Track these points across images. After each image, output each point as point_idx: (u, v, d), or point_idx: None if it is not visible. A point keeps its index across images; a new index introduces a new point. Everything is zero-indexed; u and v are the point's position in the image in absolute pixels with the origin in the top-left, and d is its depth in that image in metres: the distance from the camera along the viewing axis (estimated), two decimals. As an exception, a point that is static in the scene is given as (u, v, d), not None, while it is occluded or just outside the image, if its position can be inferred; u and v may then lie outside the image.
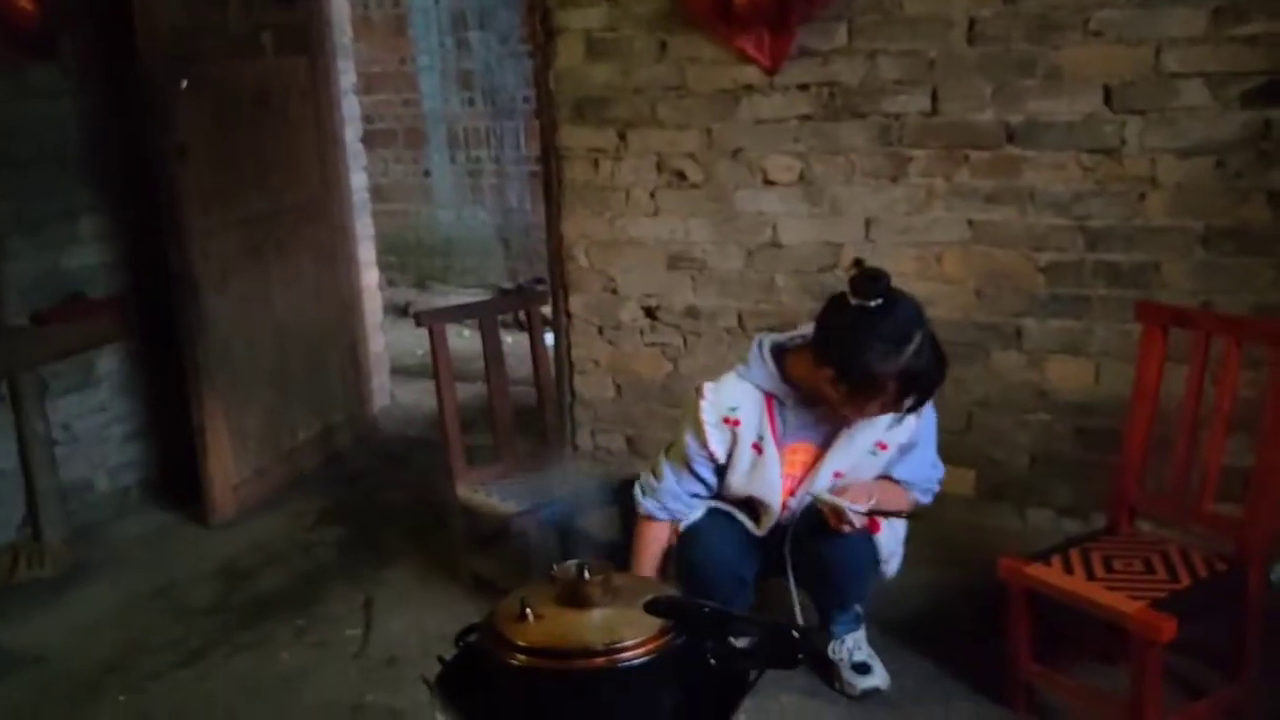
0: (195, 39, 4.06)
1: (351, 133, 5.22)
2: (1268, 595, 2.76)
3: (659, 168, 4.22)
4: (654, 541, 2.98)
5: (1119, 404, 3.31)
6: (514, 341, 4.96)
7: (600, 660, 1.82)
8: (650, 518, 2.98)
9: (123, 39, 4.01)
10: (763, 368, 2.86)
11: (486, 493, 3.56)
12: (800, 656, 1.87)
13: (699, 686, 1.89)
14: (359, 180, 5.30)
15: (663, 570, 2.98)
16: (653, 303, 4.35)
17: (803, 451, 2.92)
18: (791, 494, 2.95)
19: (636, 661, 1.82)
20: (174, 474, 4.50)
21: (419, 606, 3.62)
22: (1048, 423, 3.80)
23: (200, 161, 4.11)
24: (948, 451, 3.92)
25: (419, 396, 5.56)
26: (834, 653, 3.09)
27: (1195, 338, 2.85)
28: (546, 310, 4.30)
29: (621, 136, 4.26)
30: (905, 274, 3.85)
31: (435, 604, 3.61)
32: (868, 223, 3.93)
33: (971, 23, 3.65)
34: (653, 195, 4.25)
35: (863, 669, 3.05)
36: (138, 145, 4.20)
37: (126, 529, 4.32)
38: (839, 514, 2.78)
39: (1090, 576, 2.71)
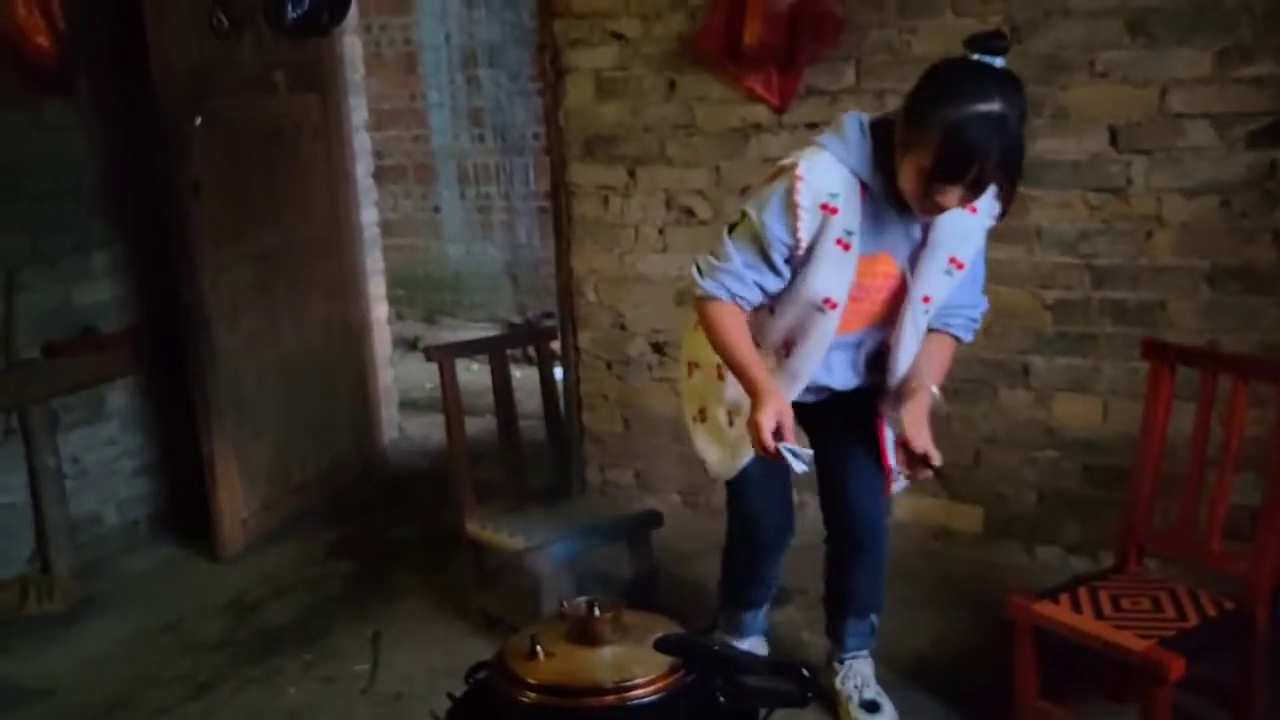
0: (209, 77, 4.11)
1: (363, 169, 5.26)
2: (1275, 634, 2.76)
3: (668, 205, 4.25)
4: (732, 316, 2.61)
5: (1126, 442, 3.32)
6: (522, 376, 4.98)
7: (610, 698, 1.82)
8: (712, 298, 2.61)
9: (138, 76, 4.06)
10: (862, 147, 2.51)
11: (495, 528, 3.56)
12: (810, 695, 1.86)
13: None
14: (370, 216, 5.33)
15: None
16: (661, 338, 4.37)
17: (884, 263, 2.61)
18: (874, 320, 2.71)
19: (646, 699, 1.83)
20: (183, 508, 4.51)
21: (427, 642, 3.62)
22: (1055, 460, 3.81)
23: (213, 197, 4.14)
24: (956, 489, 3.96)
25: (427, 430, 5.57)
26: (841, 684, 3.06)
27: (1202, 376, 2.86)
28: (556, 345, 4.33)
29: (631, 174, 4.30)
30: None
31: (443, 639, 3.61)
32: (875, 260, 3.95)
33: (978, 63, 3.68)
34: (661, 232, 4.29)
35: (872, 707, 3.03)
36: (151, 181, 4.24)
37: (135, 563, 4.33)
38: (921, 460, 2.61)
39: (1099, 615, 2.71)
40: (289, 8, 3.35)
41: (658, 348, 4.39)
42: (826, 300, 2.60)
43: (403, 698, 3.32)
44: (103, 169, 4.29)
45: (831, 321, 2.63)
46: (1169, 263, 3.55)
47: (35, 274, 4.04)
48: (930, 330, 2.74)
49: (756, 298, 2.63)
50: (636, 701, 1.82)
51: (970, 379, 3.87)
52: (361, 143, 5.28)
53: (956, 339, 2.79)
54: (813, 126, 3.94)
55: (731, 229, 2.64)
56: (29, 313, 4.01)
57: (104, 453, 4.37)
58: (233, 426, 4.30)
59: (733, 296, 2.60)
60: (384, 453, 5.38)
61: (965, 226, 2.58)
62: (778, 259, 2.57)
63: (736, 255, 2.58)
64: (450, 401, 3.66)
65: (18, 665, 3.58)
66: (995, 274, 3.73)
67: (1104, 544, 3.57)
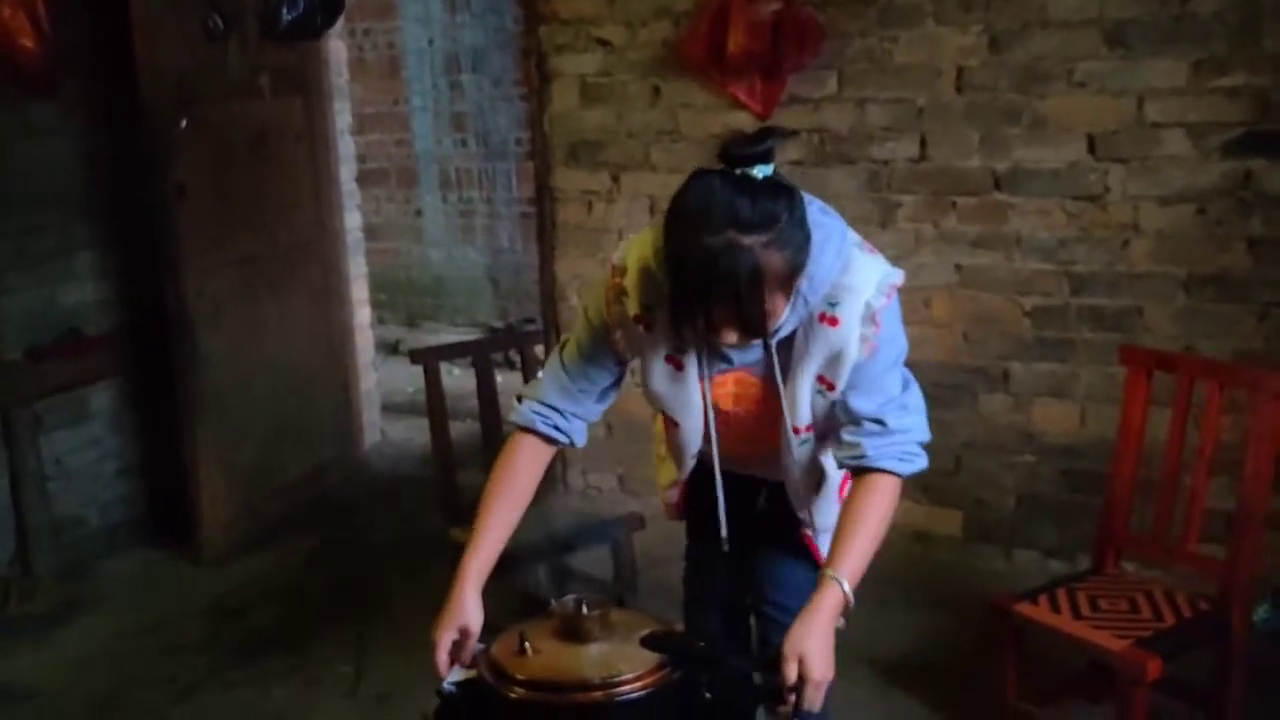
0: (195, 80, 4.11)
1: (346, 173, 5.27)
2: (1250, 636, 2.80)
3: (651, 210, 4.28)
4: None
5: (1104, 446, 3.36)
6: (504, 380, 4.99)
7: (597, 694, 1.83)
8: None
9: (123, 79, 4.06)
10: None
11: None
12: (795, 690, 1.87)
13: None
14: (353, 220, 5.34)
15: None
16: (644, 343, 4.39)
17: (743, 383, 2.18)
18: (758, 448, 2.23)
19: (633, 695, 1.83)
20: (165, 510, 4.50)
21: (411, 644, 3.61)
22: (1034, 465, 3.86)
23: (198, 201, 4.15)
24: (935, 494, 4.00)
25: (409, 434, 5.58)
26: None
27: (1178, 382, 2.91)
28: (539, 349, 4.34)
29: (615, 179, 4.32)
30: (894, 317, 3.92)
31: (427, 641, 3.60)
32: (857, 266, 3.99)
33: (959, 72, 3.74)
34: (645, 237, 4.31)
35: None
36: (135, 184, 4.24)
37: (118, 565, 4.32)
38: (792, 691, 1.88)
39: (1077, 616, 2.75)
40: (284, 11, 3.36)
41: (640, 352, 4.41)
42: (669, 419, 2.27)
43: (388, 699, 3.34)
44: (87, 171, 4.29)
45: (687, 438, 2.25)
46: (1146, 270, 3.60)
47: (19, 276, 4.04)
48: (859, 472, 2.08)
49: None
50: (623, 698, 1.83)
51: (950, 384, 3.91)
52: (345, 147, 5.29)
53: (891, 473, 2.07)
54: (795, 134, 3.99)
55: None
56: (13, 315, 4.01)
57: (86, 455, 4.36)
58: (215, 430, 4.30)
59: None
60: (366, 456, 5.38)
61: (832, 341, 2.03)
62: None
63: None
64: (435, 405, 3.67)
65: (0, 667, 3.58)
66: (975, 280, 3.81)
67: (1082, 547, 3.61)
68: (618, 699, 1.83)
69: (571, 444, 2.23)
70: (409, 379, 6.00)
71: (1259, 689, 2.86)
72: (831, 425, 2.13)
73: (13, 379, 3.98)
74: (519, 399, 2.21)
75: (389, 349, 6.89)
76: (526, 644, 1.89)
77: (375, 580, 4.11)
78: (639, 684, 1.84)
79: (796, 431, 2.15)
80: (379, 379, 5.73)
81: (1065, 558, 3.79)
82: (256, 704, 3.36)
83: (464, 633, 2.05)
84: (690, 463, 2.32)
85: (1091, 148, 3.61)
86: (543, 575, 3.36)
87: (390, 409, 5.87)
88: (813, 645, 1.87)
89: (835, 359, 2.05)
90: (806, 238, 1.90)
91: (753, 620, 2.49)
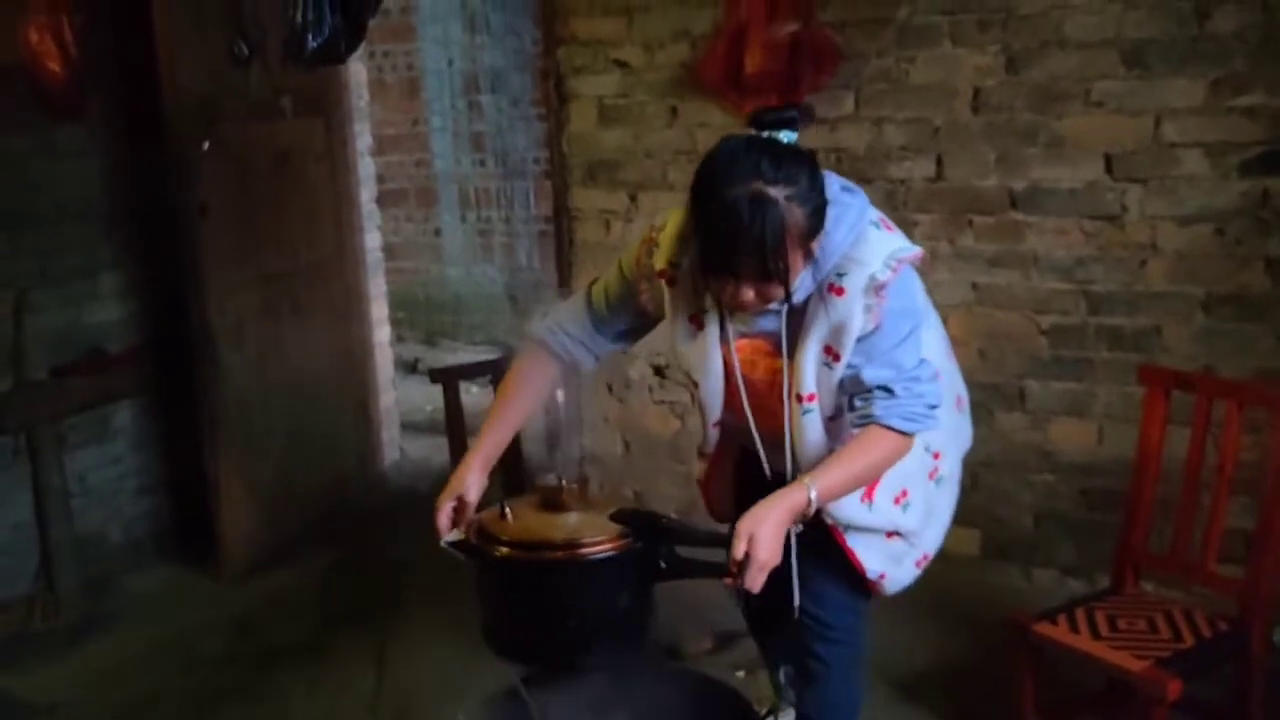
0: (218, 102, 4.16)
1: (366, 193, 5.31)
2: (1271, 656, 2.80)
3: (669, 230, 4.29)
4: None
5: (1122, 465, 3.36)
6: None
7: (559, 554, 2.12)
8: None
9: (147, 101, 4.11)
10: None
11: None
12: (738, 571, 2.01)
13: (651, 586, 2.20)
14: (373, 240, 5.38)
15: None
16: (662, 361, 4.42)
17: (762, 351, 2.28)
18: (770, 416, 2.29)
19: (594, 557, 2.11)
20: (187, 526, 4.54)
21: (431, 659, 3.65)
22: (1051, 483, 3.86)
23: (220, 220, 4.19)
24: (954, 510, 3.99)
25: (428, 451, 5.61)
26: None
27: (1197, 401, 2.91)
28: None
29: (632, 198, 4.35)
30: (911, 336, 3.93)
31: (447, 656, 3.64)
32: (874, 285, 4.00)
33: (976, 92, 3.75)
34: (663, 256, 4.33)
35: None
36: (158, 203, 4.29)
37: (140, 581, 4.35)
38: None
39: (1096, 635, 2.75)
40: (309, 38, 3.40)
41: (658, 370, 4.43)
42: (690, 378, 2.38)
43: (409, 713, 3.35)
44: (111, 192, 4.34)
45: (706, 400, 2.36)
46: (1164, 289, 3.60)
47: (44, 296, 4.09)
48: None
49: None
50: (586, 559, 2.12)
51: (967, 402, 3.91)
52: (365, 167, 5.33)
53: (891, 429, 2.16)
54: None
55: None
56: (38, 334, 4.05)
57: (109, 472, 4.40)
58: (237, 446, 4.33)
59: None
60: (385, 473, 5.41)
61: (838, 311, 2.12)
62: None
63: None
64: (454, 422, 3.70)
65: (23, 682, 3.61)
66: (992, 299, 3.82)
67: (1100, 566, 3.61)
68: (580, 560, 2.12)
69: (577, 368, 2.44)
70: (428, 397, 6.03)
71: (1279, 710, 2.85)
72: (840, 402, 2.23)
73: (38, 398, 4.02)
74: (542, 318, 2.41)
75: (408, 367, 6.93)
76: (507, 511, 2.21)
77: (395, 595, 4.13)
78: (598, 548, 2.12)
79: (800, 400, 2.21)
80: (398, 397, 5.75)
81: (1083, 576, 3.79)
82: (278, 718, 3.38)
83: (461, 501, 2.32)
84: (713, 433, 2.43)
85: (1109, 167, 3.62)
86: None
87: (409, 427, 5.90)
88: (764, 530, 2.02)
89: (840, 329, 2.13)
90: (824, 203, 2.04)
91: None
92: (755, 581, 2.01)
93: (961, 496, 3.93)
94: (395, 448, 5.64)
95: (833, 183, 2.13)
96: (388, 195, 7.02)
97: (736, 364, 2.27)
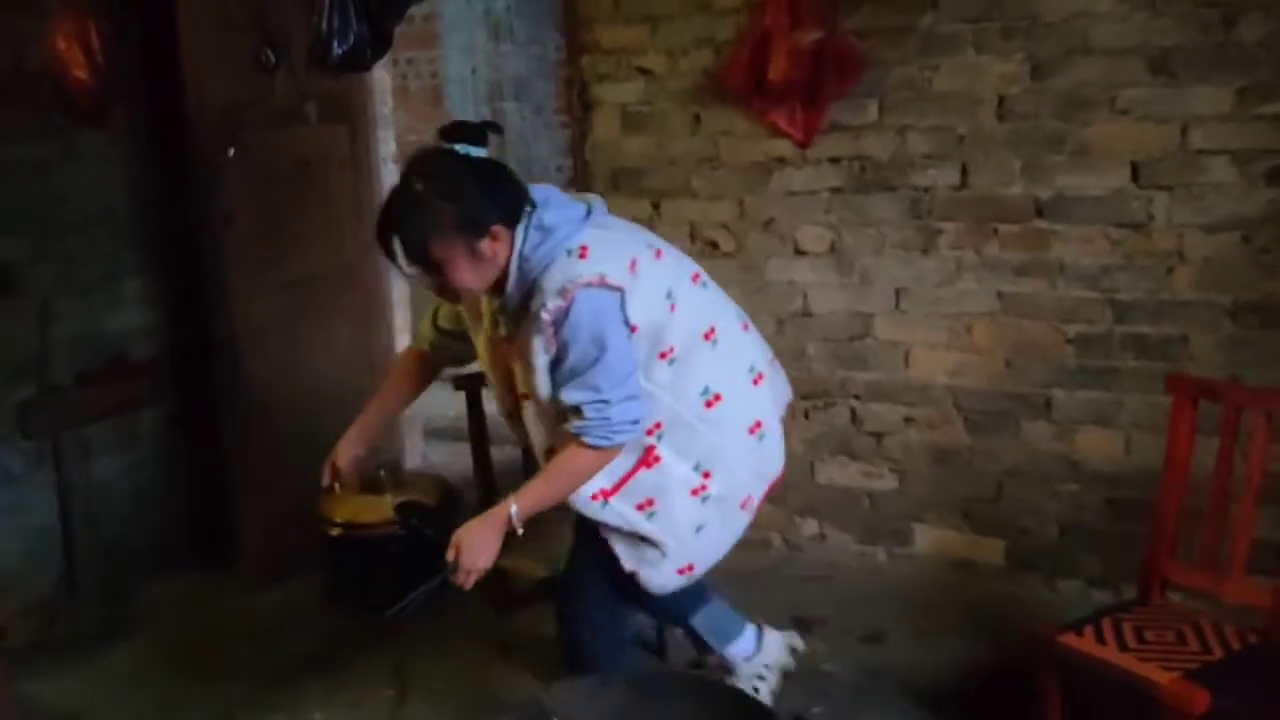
0: (242, 109, 4.17)
1: (389, 200, 5.31)
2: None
3: (692, 237, 4.29)
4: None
5: (1148, 475, 3.33)
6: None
7: (337, 530, 3.93)
8: None
9: (172, 108, 4.13)
10: None
11: (519, 554, 3.57)
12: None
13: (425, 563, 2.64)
14: (395, 246, 5.38)
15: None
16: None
17: (500, 347, 2.65)
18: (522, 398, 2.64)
19: (363, 536, 3.88)
20: (209, 534, 4.54)
21: (452, 667, 3.64)
22: (1077, 493, 3.83)
23: (244, 227, 4.20)
24: (977, 522, 3.97)
25: (450, 458, 5.60)
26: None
27: (1225, 411, 2.88)
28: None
29: (656, 206, 4.35)
30: (936, 343, 3.93)
31: (469, 665, 3.63)
32: (898, 293, 3.99)
33: (1001, 100, 3.73)
34: (685, 264, 4.32)
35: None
36: (182, 210, 4.30)
37: (161, 588, 4.36)
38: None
39: (1122, 647, 2.72)
40: (335, 44, 3.42)
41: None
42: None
43: (427, 723, 3.34)
44: (135, 198, 4.36)
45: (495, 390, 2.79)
46: (1190, 298, 3.57)
47: (68, 302, 4.11)
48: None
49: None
50: (354, 536, 3.89)
51: (993, 411, 3.89)
52: (389, 174, 5.34)
53: (582, 443, 2.47)
54: (835, 161, 4.00)
55: None
56: (61, 340, 4.07)
57: (132, 479, 4.42)
58: (258, 453, 4.33)
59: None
60: (407, 481, 5.40)
61: (528, 331, 2.47)
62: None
63: None
64: (477, 429, 3.69)
65: (43, 688, 3.61)
66: (1018, 307, 3.80)
67: (1126, 578, 3.57)
68: (351, 536, 3.86)
69: (441, 361, 2.95)
70: (449, 404, 6.00)
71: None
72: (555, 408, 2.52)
73: (61, 404, 4.04)
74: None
75: (429, 376, 6.93)
76: (336, 485, 2.96)
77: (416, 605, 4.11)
78: (369, 530, 3.81)
79: (525, 397, 2.58)
80: (420, 403, 5.74)
81: (1110, 587, 3.76)
82: (298, 727, 3.38)
83: (333, 466, 2.95)
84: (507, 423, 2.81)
85: (1135, 175, 3.59)
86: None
87: (431, 433, 5.89)
88: (468, 540, 2.48)
89: (529, 347, 2.47)
90: (493, 207, 2.40)
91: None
92: (465, 580, 2.49)
93: (986, 506, 3.94)
94: (418, 454, 5.63)
95: (547, 208, 2.47)
96: (410, 203, 7.02)
97: (495, 359, 2.66)
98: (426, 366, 2.99)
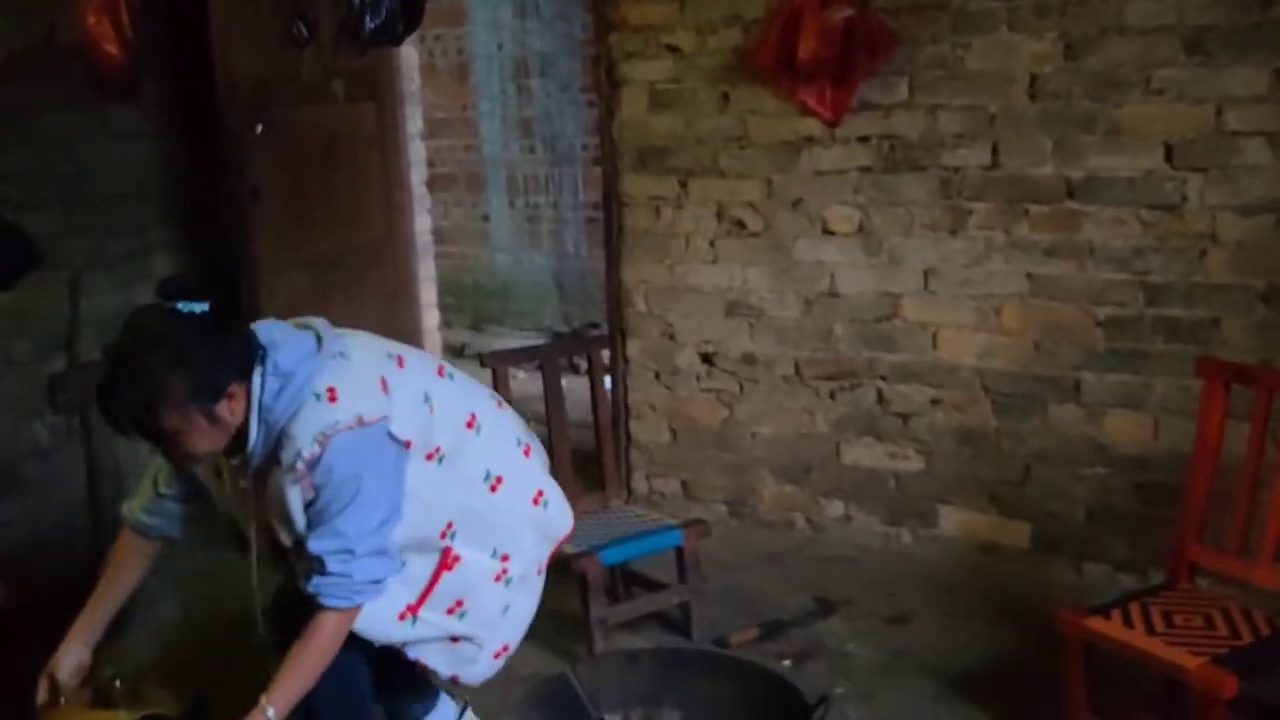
0: (271, 86, 4.19)
1: (417, 177, 5.33)
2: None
3: (719, 216, 4.28)
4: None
5: (1178, 459, 3.31)
6: (569, 384, 5.01)
7: None
8: None
9: (201, 85, 4.14)
10: None
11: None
12: None
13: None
14: (423, 223, 5.40)
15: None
16: (710, 349, 4.40)
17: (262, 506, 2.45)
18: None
19: None
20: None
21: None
22: (1105, 477, 3.80)
23: (272, 203, 4.22)
24: (1004, 504, 3.96)
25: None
26: None
27: (1257, 395, 2.86)
28: (605, 354, 4.36)
29: (683, 185, 4.33)
30: (964, 325, 3.90)
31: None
32: (926, 274, 3.97)
33: (1033, 79, 3.70)
34: (712, 243, 4.31)
35: None
36: (211, 186, 4.32)
37: (188, 563, 4.38)
38: None
39: (1150, 631, 2.71)
40: (367, 19, 3.43)
41: (707, 358, 4.41)
42: None
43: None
44: (164, 173, 4.37)
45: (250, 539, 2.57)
46: (1223, 281, 3.54)
47: (98, 278, 4.12)
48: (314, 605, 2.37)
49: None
50: None
51: (1021, 394, 3.87)
52: (416, 151, 5.35)
53: (322, 607, 2.32)
54: (864, 140, 3.98)
55: None
56: (91, 316, 4.09)
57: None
58: (286, 429, 4.36)
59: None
60: (432, 458, 5.42)
61: (276, 482, 2.30)
62: None
63: None
64: (502, 408, 3.69)
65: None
66: (1047, 289, 3.77)
67: (1153, 562, 3.56)
68: None
69: (170, 540, 2.65)
70: (475, 382, 6.04)
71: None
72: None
73: (91, 379, 4.04)
74: (129, 498, 2.62)
75: (454, 352, 6.94)
76: (63, 699, 2.39)
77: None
78: None
79: (289, 550, 2.40)
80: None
81: (1136, 572, 3.74)
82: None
83: (50, 678, 2.47)
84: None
85: (1168, 156, 3.55)
86: (606, 579, 3.36)
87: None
88: None
89: (279, 498, 2.29)
90: (225, 366, 2.20)
91: None
92: None
93: (1012, 489, 3.92)
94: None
95: (286, 351, 2.27)
96: (437, 180, 7.03)
97: (249, 512, 2.44)
98: (151, 541, 2.66)
